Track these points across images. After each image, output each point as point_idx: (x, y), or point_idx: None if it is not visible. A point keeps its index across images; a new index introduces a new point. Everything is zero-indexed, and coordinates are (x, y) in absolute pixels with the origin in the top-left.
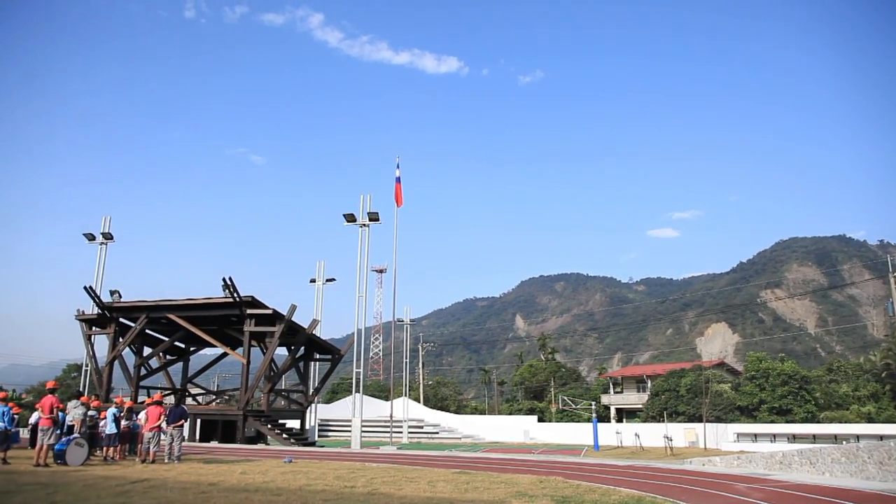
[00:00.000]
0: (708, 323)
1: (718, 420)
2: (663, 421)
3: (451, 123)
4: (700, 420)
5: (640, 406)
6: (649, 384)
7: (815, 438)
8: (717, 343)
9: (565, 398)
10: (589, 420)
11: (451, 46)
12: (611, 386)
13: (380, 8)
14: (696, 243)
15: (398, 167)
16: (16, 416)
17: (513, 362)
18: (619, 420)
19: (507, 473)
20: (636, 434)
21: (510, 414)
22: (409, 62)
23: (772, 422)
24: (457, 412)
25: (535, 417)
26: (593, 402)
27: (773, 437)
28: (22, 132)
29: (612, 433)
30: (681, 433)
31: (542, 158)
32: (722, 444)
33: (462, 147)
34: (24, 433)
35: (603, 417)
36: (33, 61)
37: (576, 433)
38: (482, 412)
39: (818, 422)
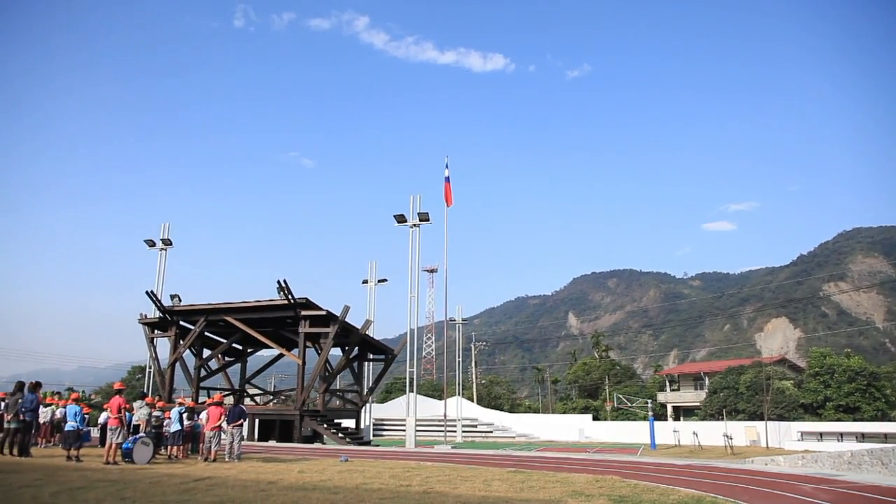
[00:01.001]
0: (767, 318)
1: (781, 418)
2: (722, 419)
3: (499, 121)
4: (761, 418)
5: (698, 404)
6: (707, 381)
7: (886, 438)
8: (778, 339)
9: (620, 396)
10: (645, 418)
11: (497, 44)
12: (667, 383)
13: (425, 8)
14: (754, 236)
15: (447, 167)
16: (86, 416)
17: (566, 360)
18: (677, 418)
19: (563, 472)
20: (694, 432)
21: (564, 412)
22: (455, 61)
23: (838, 420)
24: (510, 411)
25: (589, 416)
26: (649, 400)
27: (840, 436)
28: (94, 148)
29: (670, 432)
30: (741, 432)
31: (591, 153)
32: (785, 443)
33: (511, 144)
34: (95, 432)
35: (659, 416)
36: (93, 75)
37: (632, 432)
38: (536, 411)
39: (890, 420)
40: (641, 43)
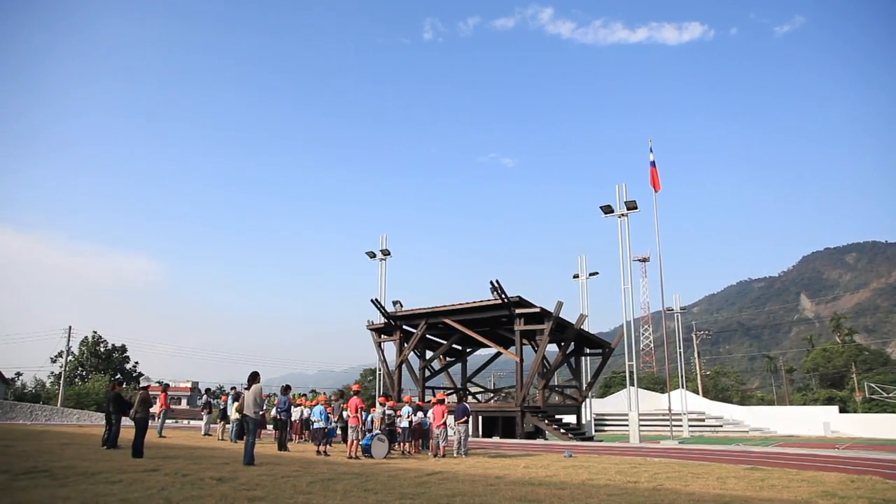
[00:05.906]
0: None
1: None
2: None
3: (704, 94)
4: None
5: None
6: None
7: None
8: None
9: (872, 385)
10: None
11: (691, 11)
12: None
13: None
14: None
15: (651, 150)
16: (330, 416)
17: (801, 347)
18: None
19: (808, 471)
20: None
21: (804, 404)
22: (648, 37)
23: None
24: (740, 403)
25: (835, 408)
26: None
27: None
28: (314, 172)
29: None
30: None
31: (813, 114)
32: None
33: (719, 117)
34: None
35: None
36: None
37: (890, 426)
38: (769, 403)
39: None
40: None
